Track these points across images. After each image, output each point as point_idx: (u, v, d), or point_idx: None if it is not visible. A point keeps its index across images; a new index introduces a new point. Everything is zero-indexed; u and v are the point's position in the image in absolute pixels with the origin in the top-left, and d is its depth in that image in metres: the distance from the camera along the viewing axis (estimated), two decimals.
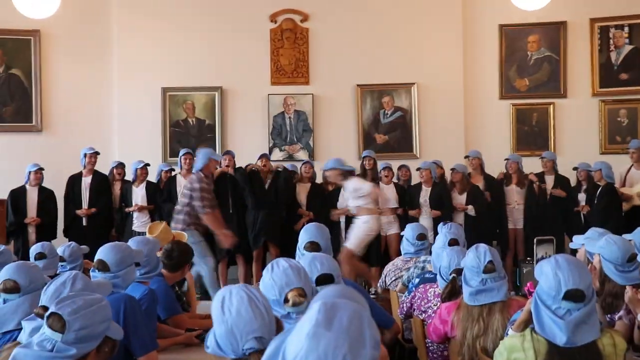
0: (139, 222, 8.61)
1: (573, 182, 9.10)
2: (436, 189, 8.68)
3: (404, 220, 8.38)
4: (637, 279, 3.51)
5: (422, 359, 4.09)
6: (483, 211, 8.65)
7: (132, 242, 4.12)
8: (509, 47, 10.51)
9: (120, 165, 9.00)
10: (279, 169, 8.74)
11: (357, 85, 10.24)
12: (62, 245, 4.88)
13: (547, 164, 9.09)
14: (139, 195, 8.70)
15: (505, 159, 9.14)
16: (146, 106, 10.04)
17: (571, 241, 4.50)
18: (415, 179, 9.15)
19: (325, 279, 3.14)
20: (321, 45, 10.27)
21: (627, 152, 9.13)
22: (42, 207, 8.56)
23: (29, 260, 4.50)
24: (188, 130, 10.19)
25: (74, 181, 8.78)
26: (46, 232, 8.40)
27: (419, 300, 4.24)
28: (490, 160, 9.26)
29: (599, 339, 2.55)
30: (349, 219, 8.52)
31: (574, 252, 4.46)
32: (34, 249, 4.75)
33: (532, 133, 10.46)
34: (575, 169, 9.00)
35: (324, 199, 8.83)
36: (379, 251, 8.67)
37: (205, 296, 7.12)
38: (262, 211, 8.47)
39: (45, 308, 2.75)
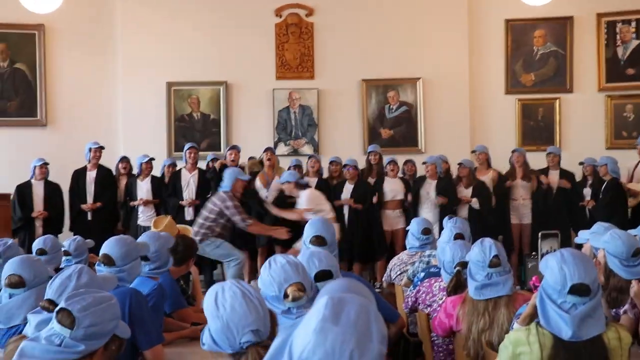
0: (145, 216, 8.63)
1: (578, 177, 9.07)
2: (441, 183, 8.67)
3: (411, 216, 8.39)
4: None
5: (427, 353, 4.09)
6: (488, 206, 8.63)
7: (143, 237, 4.11)
8: (515, 42, 10.48)
9: (125, 160, 9.01)
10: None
11: (363, 79, 10.23)
12: (67, 239, 4.89)
13: (554, 159, 9.07)
14: (143, 189, 8.71)
15: (513, 151, 9.10)
16: (151, 101, 10.05)
17: (577, 236, 4.48)
18: (421, 173, 9.13)
19: (323, 276, 3.15)
20: (326, 40, 10.26)
21: (633, 147, 9.10)
22: (49, 201, 8.58)
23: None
24: (193, 124, 10.20)
25: (79, 175, 8.79)
26: (52, 226, 8.42)
27: (424, 295, 4.23)
28: (495, 155, 9.23)
29: (604, 333, 2.55)
30: (352, 211, 8.56)
31: (579, 247, 4.45)
32: (36, 244, 4.75)
33: (537, 128, 10.44)
34: (581, 164, 8.98)
35: (330, 194, 8.81)
36: (384, 245, 8.67)
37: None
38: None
39: (51, 301, 2.75)
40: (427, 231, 5.42)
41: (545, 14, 10.17)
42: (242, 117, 10.21)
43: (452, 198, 8.57)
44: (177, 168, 8.99)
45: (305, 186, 7.93)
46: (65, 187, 8.82)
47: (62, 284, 2.83)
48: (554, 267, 2.57)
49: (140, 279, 3.86)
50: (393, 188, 8.77)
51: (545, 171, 9.05)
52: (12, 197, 8.43)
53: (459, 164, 8.79)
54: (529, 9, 9.91)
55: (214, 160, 8.96)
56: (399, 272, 5.36)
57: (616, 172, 8.54)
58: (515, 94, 10.47)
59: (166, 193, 8.71)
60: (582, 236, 4.26)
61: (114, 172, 8.99)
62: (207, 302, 2.32)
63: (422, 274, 4.69)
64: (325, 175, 9.18)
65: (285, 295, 2.78)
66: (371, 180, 8.98)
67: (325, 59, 10.25)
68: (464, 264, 3.81)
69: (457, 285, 3.84)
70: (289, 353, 1.49)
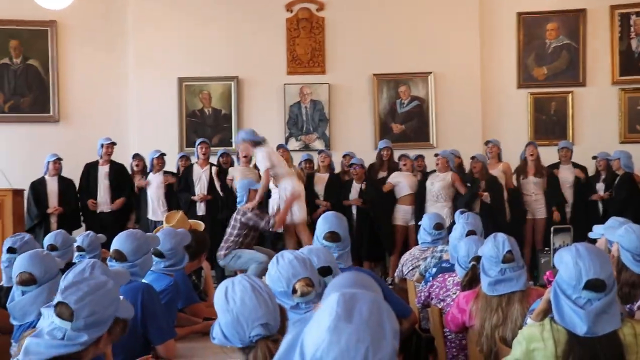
0: (159, 211, 8.63)
1: (591, 172, 9.02)
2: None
3: (419, 212, 8.38)
4: None
5: (440, 348, 4.07)
6: (500, 201, 8.58)
7: (160, 234, 4.12)
8: (527, 35, 10.41)
9: (138, 157, 9.03)
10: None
11: (374, 74, 10.20)
12: (80, 234, 4.90)
13: (566, 154, 9.03)
14: (154, 184, 8.71)
15: (527, 144, 9.03)
16: (162, 96, 10.07)
17: (590, 231, 4.45)
18: (431, 168, 9.10)
19: (323, 272, 3.14)
20: (337, 35, 10.23)
21: None
22: (63, 197, 8.61)
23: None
24: (204, 120, 10.21)
25: (90, 169, 8.81)
26: (67, 221, 8.45)
27: (437, 289, 4.22)
28: (507, 149, 9.18)
29: (620, 328, 2.52)
30: (360, 210, 8.55)
31: (592, 241, 4.42)
32: (47, 240, 4.77)
33: (550, 122, 10.38)
34: (594, 158, 8.92)
35: (342, 189, 8.81)
36: (393, 242, 8.66)
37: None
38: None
39: None
40: (439, 226, 5.40)
41: (558, 6, 10.12)
42: (253, 112, 10.21)
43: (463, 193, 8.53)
44: (190, 162, 9.00)
45: (262, 142, 7.50)
46: (78, 183, 8.86)
47: (75, 279, 2.83)
48: (568, 262, 2.55)
49: (156, 275, 3.87)
50: (407, 183, 8.73)
51: (556, 165, 9.01)
52: (26, 193, 8.50)
53: (472, 157, 8.74)
54: (541, 2, 9.88)
55: (224, 155, 8.98)
56: (411, 268, 5.35)
57: (629, 167, 8.48)
58: (527, 88, 10.41)
59: (178, 188, 8.73)
60: (596, 231, 4.22)
61: (127, 168, 9.03)
62: (217, 296, 2.34)
63: (434, 270, 4.68)
64: (338, 170, 9.18)
65: (294, 291, 2.78)
66: (382, 174, 8.96)
67: (337, 54, 10.23)
68: (479, 259, 3.79)
69: (472, 280, 3.82)
70: (301, 353, 1.48)
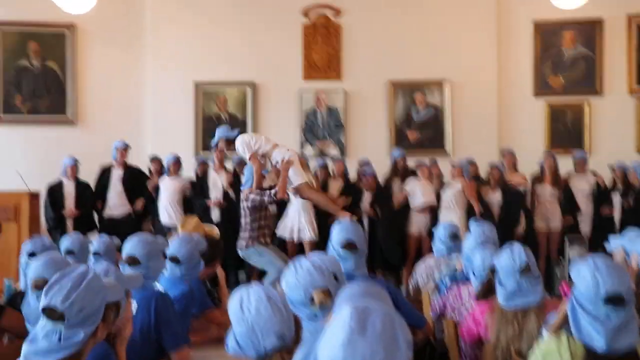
0: (167, 215, 8.66)
1: (608, 182, 8.97)
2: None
3: (433, 220, 8.37)
4: None
5: None
6: (517, 211, 8.55)
7: (175, 240, 4.13)
8: (544, 44, 10.38)
9: (156, 159, 9.07)
10: None
11: (390, 81, 10.20)
12: (96, 238, 4.92)
13: (581, 163, 8.99)
14: (170, 188, 8.74)
15: (546, 154, 8.99)
16: (179, 100, 10.12)
17: (606, 242, 4.41)
18: (448, 176, 9.08)
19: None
20: (354, 41, 10.24)
21: None
22: (79, 200, 8.64)
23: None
24: (220, 124, 10.20)
25: (104, 172, 8.85)
26: (84, 224, 8.47)
27: (452, 301, 4.19)
28: (523, 158, 9.15)
29: (638, 344, 2.50)
30: (372, 218, 8.55)
31: (608, 253, 4.38)
32: (63, 244, 4.77)
33: (566, 131, 10.32)
34: (610, 168, 8.87)
35: (356, 196, 8.80)
36: (406, 252, 8.64)
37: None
38: None
39: None
40: (454, 236, 5.36)
41: (575, 15, 10.06)
42: (269, 117, 10.23)
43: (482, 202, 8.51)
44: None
45: (237, 135, 7.12)
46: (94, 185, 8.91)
47: (54, 277, 2.82)
48: (586, 275, 2.52)
49: (171, 281, 3.87)
50: (422, 191, 8.67)
51: (571, 175, 8.98)
52: (43, 195, 8.55)
53: (491, 166, 8.71)
54: (558, 11, 9.80)
55: (239, 164, 8.97)
56: (425, 278, 5.32)
57: None
58: (543, 97, 10.37)
59: (193, 193, 8.74)
60: (613, 242, 4.19)
61: (146, 171, 9.06)
62: (232, 306, 2.33)
63: (449, 280, 4.65)
64: (353, 176, 9.16)
65: (311, 300, 2.76)
66: (397, 182, 8.94)
67: (353, 60, 10.24)
68: (494, 269, 3.76)
69: (488, 291, 3.78)
70: None
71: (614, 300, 2.45)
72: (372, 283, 3.62)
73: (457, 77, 10.18)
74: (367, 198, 8.73)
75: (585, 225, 8.81)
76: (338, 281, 3.11)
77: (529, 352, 2.80)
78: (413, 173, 8.89)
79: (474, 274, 4.05)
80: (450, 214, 8.31)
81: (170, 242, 4.20)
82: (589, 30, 10.31)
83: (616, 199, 8.67)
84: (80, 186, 8.70)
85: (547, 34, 10.38)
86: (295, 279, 2.79)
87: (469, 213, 8.24)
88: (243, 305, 2.29)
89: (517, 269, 3.34)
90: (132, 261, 3.60)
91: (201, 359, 3.58)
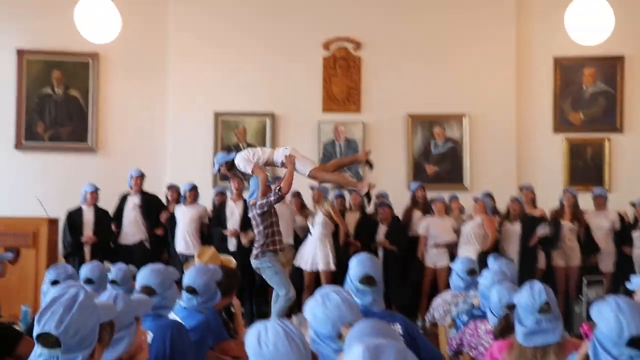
0: (184, 244, 8.67)
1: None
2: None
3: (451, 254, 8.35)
4: None
5: None
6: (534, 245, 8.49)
7: (192, 270, 4.12)
8: (564, 80, 10.37)
9: (173, 187, 9.11)
10: None
11: (408, 114, 10.22)
12: (114, 267, 4.93)
13: (600, 201, 8.92)
14: (187, 216, 8.75)
15: (565, 190, 8.95)
16: (199, 130, 10.18)
17: (626, 280, 4.34)
18: (469, 211, 9.07)
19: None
20: (373, 74, 10.29)
21: None
22: (98, 227, 8.69)
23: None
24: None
25: (121, 200, 8.90)
26: (101, 251, 8.48)
27: (469, 337, 4.15)
28: (542, 194, 9.10)
29: None
30: (387, 250, 8.52)
31: (629, 292, 4.31)
32: (83, 273, 4.79)
33: (586, 168, 10.27)
34: (632, 205, 8.79)
35: (373, 229, 8.79)
36: (422, 286, 8.60)
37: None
38: None
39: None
40: (472, 272, 5.32)
41: (595, 52, 10.05)
42: None
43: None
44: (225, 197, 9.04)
45: (234, 156, 7.10)
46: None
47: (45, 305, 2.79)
48: (609, 316, 2.48)
49: (187, 311, 3.86)
50: (441, 230, 8.68)
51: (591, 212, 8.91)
52: (61, 222, 8.60)
53: (513, 199, 8.69)
54: (578, 47, 9.79)
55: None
56: (442, 312, 5.27)
57: None
58: (563, 133, 10.34)
59: (211, 223, 8.75)
60: (635, 282, 4.12)
61: (162, 199, 9.10)
62: (250, 340, 2.31)
63: (466, 316, 4.60)
64: (369, 209, 9.15)
65: (339, 336, 2.74)
66: (418, 214, 8.93)
67: (372, 93, 10.28)
68: (512, 306, 3.71)
69: (506, 328, 3.74)
70: None
71: (638, 343, 2.41)
72: (388, 318, 3.60)
73: (477, 111, 10.18)
74: (382, 230, 8.72)
75: (605, 263, 8.71)
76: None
77: None
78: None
79: (491, 310, 4.01)
80: (469, 249, 8.27)
81: (186, 271, 4.20)
82: (610, 67, 10.31)
83: (637, 236, 8.58)
84: (99, 213, 8.76)
85: (567, 70, 10.38)
86: (324, 313, 2.76)
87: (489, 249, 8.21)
88: (261, 340, 2.27)
89: (537, 307, 3.30)
90: (148, 291, 3.60)
91: None
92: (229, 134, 10.31)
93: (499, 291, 4.00)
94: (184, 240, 8.66)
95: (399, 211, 9.09)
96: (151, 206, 8.91)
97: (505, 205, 8.91)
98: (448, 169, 10.22)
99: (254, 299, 8.53)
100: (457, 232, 8.68)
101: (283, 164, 6.81)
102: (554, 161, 10.28)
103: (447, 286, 6.29)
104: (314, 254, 8.28)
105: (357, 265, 3.78)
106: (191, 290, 3.97)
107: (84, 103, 10.31)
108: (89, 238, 8.58)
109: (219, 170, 7.21)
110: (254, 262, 6.90)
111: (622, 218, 8.86)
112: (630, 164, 10.11)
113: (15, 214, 8.42)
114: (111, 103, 10.38)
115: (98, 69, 10.31)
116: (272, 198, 6.68)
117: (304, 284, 8.38)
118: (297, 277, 8.28)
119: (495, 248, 8.33)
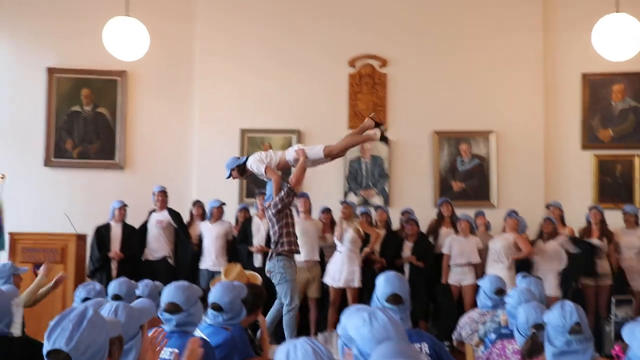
0: (210, 261, 8.69)
1: None
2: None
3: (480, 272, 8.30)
4: None
5: None
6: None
7: (218, 287, 4.13)
8: (592, 97, 10.26)
9: (198, 203, 9.16)
10: None
11: (435, 131, 10.18)
12: (141, 283, 4.95)
13: (630, 219, 8.80)
14: (213, 233, 8.79)
15: (590, 208, 8.86)
16: (225, 147, 10.20)
17: None
18: (495, 228, 9.00)
19: None
20: (399, 91, 10.28)
21: None
22: (125, 243, 8.74)
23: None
24: None
25: (148, 217, 8.96)
26: (128, 268, 8.48)
27: (496, 357, 4.10)
28: (570, 212, 9.00)
29: None
30: (413, 267, 8.48)
31: None
32: (111, 289, 4.82)
33: (615, 185, 10.12)
34: None
35: (399, 245, 8.76)
36: (451, 301, 8.53)
37: (278, 340, 7.00)
38: None
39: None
40: (500, 291, 5.27)
41: (624, 68, 9.92)
42: None
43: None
44: (249, 215, 9.06)
45: (245, 160, 7.21)
46: None
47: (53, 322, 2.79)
48: None
49: (213, 329, 3.86)
50: (465, 249, 8.62)
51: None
52: (88, 238, 8.68)
53: (546, 218, 8.61)
54: (606, 63, 9.65)
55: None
56: (469, 331, 5.23)
57: None
58: (592, 150, 10.21)
59: (237, 239, 8.78)
60: None
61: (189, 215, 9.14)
62: (279, 358, 2.30)
63: (494, 335, 4.55)
64: (395, 226, 9.12)
65: None
66: (445, 230, 8.89)
67: (398, 110, 10.26)
68: (539, 326, 3.66)
69: (533, 348, 3.68)
70: None
71: None
72: (416, 337, 3.57)
73: (503, 128, 10.11)
74: (408, 246, 8.68)
75: (636, 282, 8.57)
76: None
77: None
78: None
79: (518, 330, 3.96)
80: (498, 267, 8.21)
81: (212, 288, 4.20)
82: (639, 84, 10.18)
83: None
84: (127, 229, 8.82)
85: (595, 87, 10.28)
86: (370, 332, 2.73)
87: (518, 267, 8.14)
88: (290, 359, 2.26)
89: (567, 328, 3.25)
90: (174, 308, 3.60)
91: None
92: (255, 151, 10.29)
93: (526, 310, 3.96)
94: (210, 257, 8.70)
95: (425, 229, 9.07)
96: (174, 222, 8.93)
97: (532, 222, 8.83)
98: (474, 186, 10.15)
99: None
100: (483, 250, 8.60)
101: (297, 161, 6.83)
102: (582, 178, 10.15)
103: (473, 304, 6.25)
104: (341, 270, 8.25)
105: (385, 283, 3.76)
106: (217, 308, 3.98)
107: (111, 120, 10.42)
108: (116, 254, 8.63)
109: (230, 175, 7.20)
110: (268, 264, 6.89)
111: None
112: None
113: (44, 230, 8.53)
114: (138, 120, 10.48)
115: (126, 87, 10.42)
116: (283, 193, 6.68)
117: (329, 300, 8.36)
118: (324, 293, 8.30)
119: (526, 266, 8.26)
